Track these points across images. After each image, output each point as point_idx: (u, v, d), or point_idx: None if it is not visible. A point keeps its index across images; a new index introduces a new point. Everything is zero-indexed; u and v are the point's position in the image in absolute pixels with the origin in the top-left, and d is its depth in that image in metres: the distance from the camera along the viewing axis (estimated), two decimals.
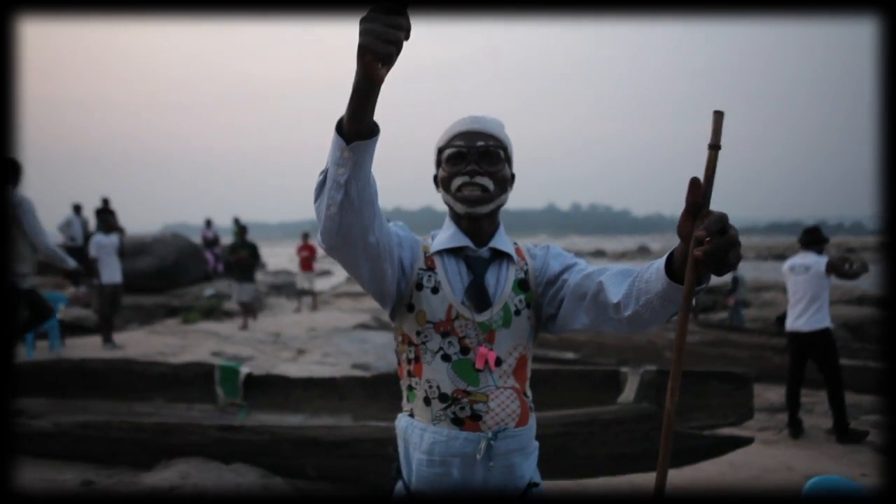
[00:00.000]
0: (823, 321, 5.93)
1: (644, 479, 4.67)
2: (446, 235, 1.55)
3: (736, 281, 12.98)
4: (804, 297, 5.94)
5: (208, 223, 16.91)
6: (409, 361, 1.52)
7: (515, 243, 1.61)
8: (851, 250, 49.60)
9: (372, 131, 1.18)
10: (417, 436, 1.48)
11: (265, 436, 3.75)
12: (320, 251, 8.63)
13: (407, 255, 1.51)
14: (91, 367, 5.28)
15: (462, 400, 1.45)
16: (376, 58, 1.06)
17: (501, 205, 1.56)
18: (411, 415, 1.52)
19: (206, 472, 3.69)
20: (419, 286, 1.49)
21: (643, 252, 55.17)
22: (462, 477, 1.44)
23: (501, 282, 1.52)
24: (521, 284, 1.53)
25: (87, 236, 12.33)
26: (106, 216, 10.02)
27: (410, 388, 1.53)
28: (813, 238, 6.13)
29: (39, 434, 4.19)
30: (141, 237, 15.48)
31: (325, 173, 1.22)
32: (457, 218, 1.56)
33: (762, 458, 5.32)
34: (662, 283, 1.26)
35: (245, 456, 3.78)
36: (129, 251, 9.39)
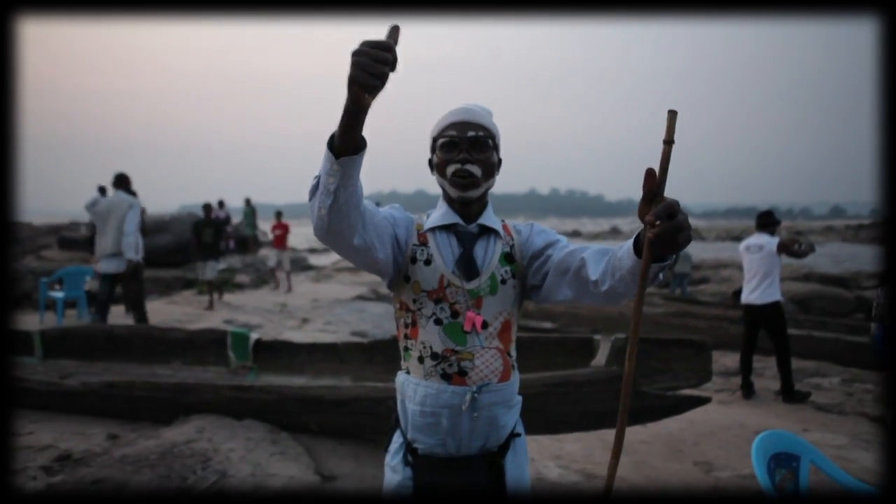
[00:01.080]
0: (774, 295, 6.01)
1: (611, 435, 4.73)
2: (439, 214, 1.58)
3: (676, 257, 13.16)
4: (758, 274, 6.02)
5: (220, 204, 16.76)
6: (406, 326, 1.55)
7: (503, 221, 1.63)
8: (800, 233, 49.98)
9: (359, 147, 1.21)
10: (412, 389, 1.52)
11: (273, 395, 3.74)
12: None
13: (402, 234, 1.53)
14: (116, 333, 5.25)
15: (450, 358, 1.48)
16: (363, 89, 1.10)
17: (489, 188, 1.58)
18: (407, 372, 1.55)
19: (219, 427, 3.68)
20: (413, 259, 1.52)
21: (615, 233, 55.35)
22: (450, 426, 1.48)
23: (489, 254, 1.54)
24: (507, 257, 1.56)
25: None
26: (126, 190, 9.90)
27: (406, 348, 1.56)
28: (766, 221, 6.20)
29: (69, 392, 4.17)
30: (160, 216, 15.37)
31: (317, 178, 1.25)
32: (449, 199, 1.58)
33: (718, 416, 5.39)
34: (631, 260, 1.30)
35: (255, 413, 3.77)
36: (150, 229, 9.29)
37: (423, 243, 1.54)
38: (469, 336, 1.49)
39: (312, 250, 27.19)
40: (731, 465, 4.24)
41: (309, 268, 18.03)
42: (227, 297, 10.99)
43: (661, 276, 1.29)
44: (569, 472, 4.06)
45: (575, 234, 51.61)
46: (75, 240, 15.03)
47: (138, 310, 6.83)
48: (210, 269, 10.29)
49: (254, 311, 9.59)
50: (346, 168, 1.20)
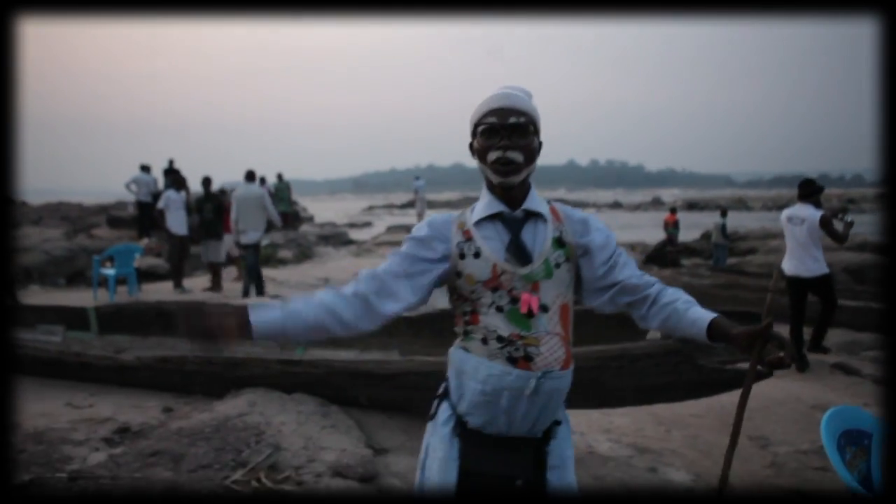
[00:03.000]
0: (823, 268, 5.88)
1: (666, 409, 4.65)
2: (483, 203, 1.59)
3: (722, 227, 13.61)
4: (802, 246, 5.84)
5: (262, 181, 16.95)
6: (465, 314, 1.56)
7: (550, 203, 1.62)
8: (852, 201, 48.23)
9: (249, 336, 1.48)
10: (473, 367, 1.52)
11: (322, 369, 3.76)
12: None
13: (434, 254, 1.56)
14: (166, 308, 5.36)
15: (517, 342, 1.49)
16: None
17: (531, 173, 1.58)
18: (467, 350, 1.55)
19: (270, 401, 3.72)
20: (462, 255, 1.53)
21: (656, 204, 54.26)
22: (508, 406, 1.50)
23: (539, 239, 1.55)
24: (558, 242, 1.56)
25: (157, 193, 12.44)
26: (176, 175, 10.04)
27: (467, 332, 1.56)
28: (808, 190, 5.98)
29: (125, 367, 4.27)
30: (198, 195, 15.61)
31: None
32: (491, 187, 1.58)
33: (772, 390, 5.23)
34: (699, 336, 1.53)
35: (304, 387, 3.80)
36: (194, 207, 9.40)
37: (469, 238, 1.54)
38: (533, 321, 1.49)
39: (352, 225, 27.42)
40: (788, 440, 4.12)
41: (349, 242, 18.16)
42: (271, 272, 11.14)
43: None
44: (620, 445, 4.00)
45: (616, 206, 50.83)
46: (123, 218, 15.42)
47: (256, 279, 8.62)
48: (213, 251, 9.27)
49: (297, 286, 9.70)
50: (264, 340, 1.52)
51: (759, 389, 5.10)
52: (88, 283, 10.11)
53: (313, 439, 3.29)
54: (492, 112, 1.53)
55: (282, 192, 18.36)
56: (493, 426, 1.52)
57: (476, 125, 1.57)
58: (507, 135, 1.51)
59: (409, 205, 39.37)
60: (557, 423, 1.59)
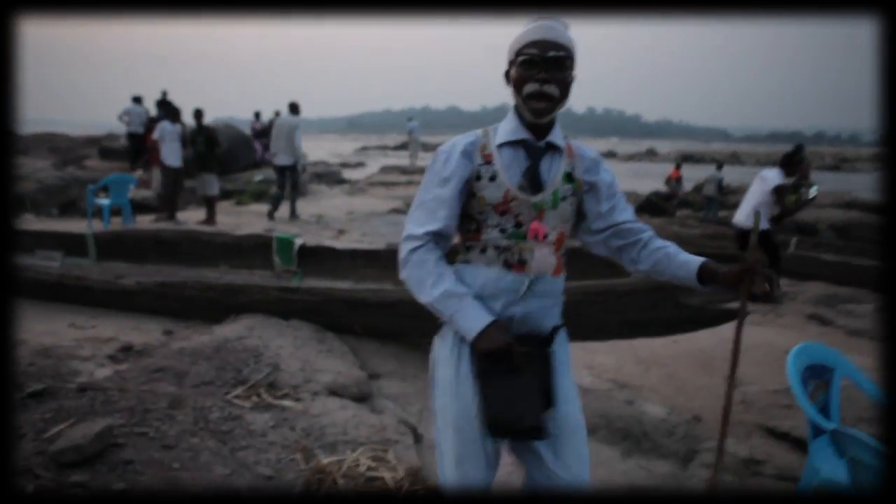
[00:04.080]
0: (762, 224, 6.27)
1: (646, 349, 4.86)
2: (510, 128, 1.64)
3: (719, 182, 14.17)
4: (754, 200, 6.49)
5: (257, 115, 16.77)
6: (468, 231, 1.66)
7: (566, 139, 1.69)
8: (846, 160, 48.28)
9: None
10: (471, 274, 1.63)
11: (319, 297, 3.89)
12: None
13: (469, 172, 1.62)
14: (164, 237, 5.45)
15: (512, 248, 1.59)
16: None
17: (562, 107, 1.63)
18: (467, 262, 1.65)
19: (268, 326, 3.87)
20: (478, 177, 1.60)
21: (650, 154, 54.04)
22: (504, 307, 1.61)
23: (553, 171, 1.63)
24: (569, 177, 1.65)
25: (150, 124, 12.32)
26: (171, 107, 9.91)
27: (468, 247, 1.66)
28: (786, 160, 6.77)
29: (126, 291, 4.39)
30: (191, 127, 15.44)
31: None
32: (521, 117, 1.63)
33: (749, 336, 5.40)
34: (687, 277, 1.66)
35: (301, 314, 3.93)
36: (188, 140, 9.35)
37: (488, 161, 1.60)
38: (528, 238, 1.60)
39: (345, 164, 27.24)
40: (759, 380, 4.34)
41: (342, 181, 18.13)
42: (265, 207, 11.17)
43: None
44: (601, 380, 4.22)
45: (610, 155, 50.60)
46: (115, 150, 15.28)
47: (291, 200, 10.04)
48: (209, 184, 9.28)
49: (291, 223, 9.77)
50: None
51: None
52: (81, 213, 10.13)
53: (310, 362, 3.45)
54: (533, 44, 1.55)
55: None
56: None
57: (516, 54, 1.59)
58: (546, 67, 1.54)
59: (403, 146, 39.01)
60: (559, 327, 1.69)
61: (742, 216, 6.53)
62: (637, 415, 3.55)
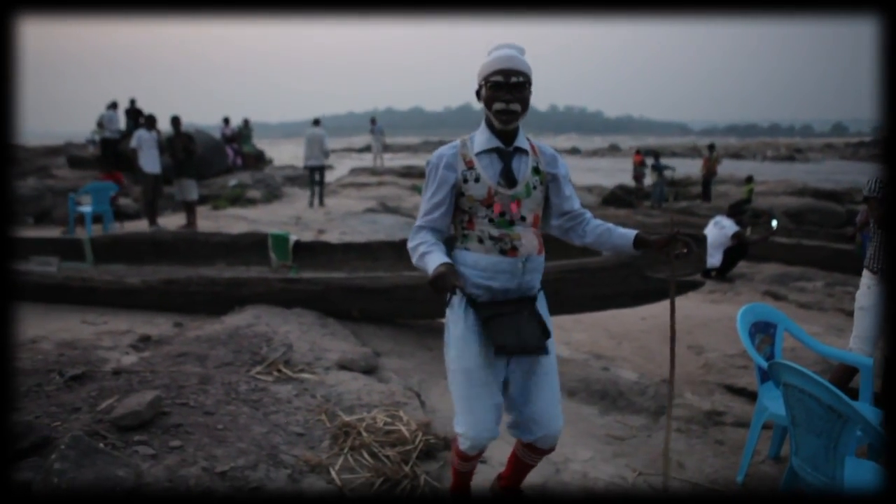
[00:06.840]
0: (715, 262, 7.67)
1: (618, 325, 5.32)
2: (483, 139, 2.09)
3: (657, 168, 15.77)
4: (713, 244, 7.54)
5: (226, 121, 16.92)
6: (462, 222, 2.10)
7: (529, 140, 2.15)
8: (799, 151, 49.97)
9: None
10: (473, 260, 2.06)
11: (319, 286, 4.23)
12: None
13: (453, 182, 2.05)
14: (161, 238, 5.71)
15: (505, 238, 2.04)
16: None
17: (524, 117, 2.09)
18: (467, 249, 2.08)
19: (273, 314, 4.20)
20: (465, 180, 2.05)
21: (613, 150, 55.11)
22: (502, 284, 2.05)
23: (522, 168, 2.09)
24: (535, 170, 2.11)
25: (126, 134, 12.42)
26: (148, 116, 10.00)
27: (464, 236, 2.09)
28: (734, 211, 7.98)
29: (130, 290, 4.64)
30: (168, 134, 15.53)
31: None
32: (492, 127, 2.08)
33: (709, 311, 5.98)
34: (625, 245, 2.13)
35: (303, 303, 4.27)
36: (166, 146, 9.50)
37: (471, 167, 2.04)
38: (514, 225, 2.05)
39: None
40: (719, 348, 4.84)
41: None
42: (242, 211, 11.40)
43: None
44: (578, 353, 4.65)
45: (573, 152, 51.48)
46: (85, 158, 15.29)
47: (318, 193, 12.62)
48: (188, 189, 9.36)
49: (270, 224, 10.00)
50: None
51: (698, 310, 5.84)
52: (56, 222, 10.25)
53: (317, 343, 3.81)
54: (499, 72, 1.99)
55: (246, 135, 18.43)
56: (492, 297, 2.06)
57: (485, 79, 2.03)
58: (509, 90, 1.99)
59: (368, 148, 39.22)
60: (540, 289, 2.17)
61: (712, 260, 7.59)
62: (613, 378, 3.98)
